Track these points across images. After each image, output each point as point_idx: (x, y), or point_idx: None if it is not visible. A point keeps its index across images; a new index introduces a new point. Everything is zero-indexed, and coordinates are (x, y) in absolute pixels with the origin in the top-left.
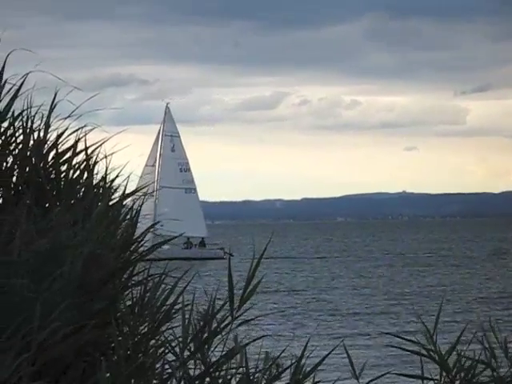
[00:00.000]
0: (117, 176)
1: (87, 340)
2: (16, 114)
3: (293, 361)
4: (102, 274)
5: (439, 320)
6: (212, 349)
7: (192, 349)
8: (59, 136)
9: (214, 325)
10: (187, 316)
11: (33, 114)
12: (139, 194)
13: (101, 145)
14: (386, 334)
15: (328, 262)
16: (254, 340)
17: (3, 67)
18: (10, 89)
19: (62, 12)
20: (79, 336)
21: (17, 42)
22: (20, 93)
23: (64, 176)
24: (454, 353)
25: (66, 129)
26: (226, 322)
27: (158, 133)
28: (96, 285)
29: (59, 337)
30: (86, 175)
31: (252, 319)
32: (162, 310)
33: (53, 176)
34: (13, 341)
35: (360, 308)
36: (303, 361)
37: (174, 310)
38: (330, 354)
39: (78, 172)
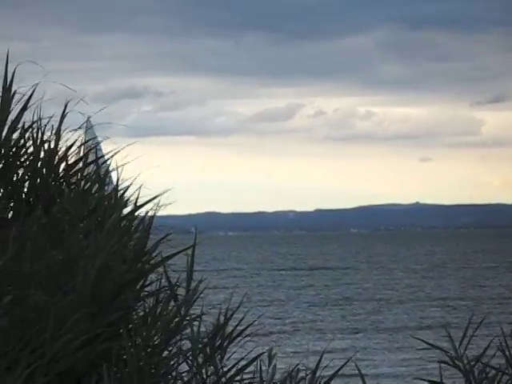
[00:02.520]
0: (128, 187)
1: (100, 351)
2: (27, 125)
3: (308, 372)
4: (114, 285)
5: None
6: (225, 359)
7: (204, 358)
8: (69, 147)
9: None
10: (197, 326)
11: (43, 125)
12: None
13: (112, 156)
14: (417, 339)
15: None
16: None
17: (12, 79)
18: (20, 99)
19: (77, 24)
20: (92, 347)
21: (32, 54)
22: (31, 104)
23: (75, 187)
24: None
25: (76, 140)
26: (236, 333)
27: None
28: (108, 296)
29: (72, 348)
30: (97, 186)
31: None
32: (174, 320)
33: (64, 187)
34: (26, 351)
35: None
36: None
37: (186, 322)
38: (343, 367)
39: (89, 183)
